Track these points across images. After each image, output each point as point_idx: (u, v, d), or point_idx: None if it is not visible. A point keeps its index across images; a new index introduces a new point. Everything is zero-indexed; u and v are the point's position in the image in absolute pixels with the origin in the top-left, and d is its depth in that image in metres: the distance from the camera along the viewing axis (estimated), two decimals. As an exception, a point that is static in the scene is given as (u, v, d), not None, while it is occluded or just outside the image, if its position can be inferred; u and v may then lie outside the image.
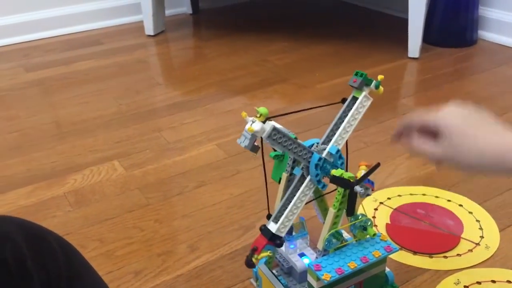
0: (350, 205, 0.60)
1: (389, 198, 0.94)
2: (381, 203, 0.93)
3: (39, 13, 1.87)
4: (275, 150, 0.70)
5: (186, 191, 0.98)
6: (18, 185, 1.02)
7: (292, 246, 0.76)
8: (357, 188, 0.59)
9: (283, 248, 0.76)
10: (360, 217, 0.64)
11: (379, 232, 0.67)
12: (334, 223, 0.63)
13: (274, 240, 0.62)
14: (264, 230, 0.63)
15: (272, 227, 0.61)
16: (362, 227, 0.64)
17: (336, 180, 0.59)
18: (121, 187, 1.00)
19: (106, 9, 1.98)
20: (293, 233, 0.76)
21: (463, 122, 0.51)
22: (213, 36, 1.87)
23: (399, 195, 0.95)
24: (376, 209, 0.91)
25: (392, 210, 0.91)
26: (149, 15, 1.82)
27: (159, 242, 0.85)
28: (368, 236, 0.64)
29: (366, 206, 0.91)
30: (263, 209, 0.89)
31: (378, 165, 0.62)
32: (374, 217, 0.89)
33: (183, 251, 0.82)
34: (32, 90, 1.48)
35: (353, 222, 0.63)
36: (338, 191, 0.61)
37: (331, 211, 0.62)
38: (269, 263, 0.73)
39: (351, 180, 0.59)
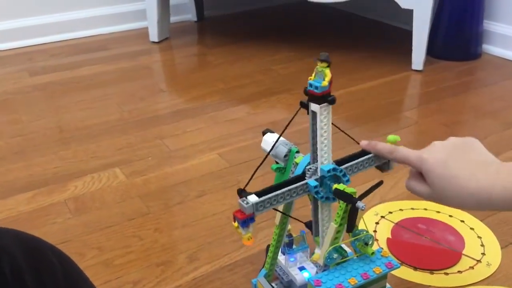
0: (350, 221, 0.60)
1: (390, 212, 0.93)
2: (382, 217, 0.92)
3: (44, 18, 1.88)
4: (277, 162, 0.70)
5: (187, 200, 0.98)
6: (18, 191, 1.02)
7: (292, 259, 0.75)
8: (359, 204, 0.58)
9: (283, 261, 0.76)
10: (362, 232, 0.63)
11: (380, 248, 0.66)
12: (335, 238, 0.62)
13: (241, 194, 0.58)
14: (241, 193, 0.58)
15: (252, 198, 0.58)
16: (364, 242, 0.63)
17: (339, 194, 0.59)
18: (121, 194, 1.00)
19: (112, 15, 1.99)
20: (294, 246, 0.75)
21: (445, 163, 0.51)
22: (217, 43, 1.88)
23: (401, 209, 0.94)
24: (377, 223, 0.91)
25: (393, 224, 0.90)
26: (154, 21, 1.83)
27: (159, 252, 0.84)
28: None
29: (367, 220, 0.91)
30: (263, 220, 0.89)
31: (381, 182, 0.62)
32: (375, 231, 0.89)
33: (182, 262, 0.82)
34: (36, 94, 1.48)
35: (355, 238, 0.63)
36: (340, 207, 0.61)
37: (333, 226, 0.62)
38: (269, 276, 0.73)
39: (353, 196, 0.59)
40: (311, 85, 0.58)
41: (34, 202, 0.98)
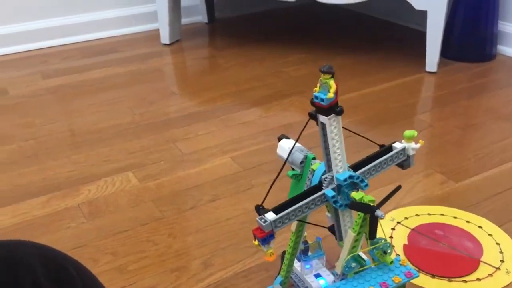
0: (371, 229, 0.59)
1: (406, 218, 0.92)
2: (398, 222, 0.91)
3: (56, 20, 1.89)
4: (293, 169, 0.69)
5: (200, 205, 0.97)
6: (32, 195, 1.02)
7: (307, 266, 0.74)
8: (378, 213, 0.57)
9: (298, 268, 0.75)
10: (380, 241, 0.62)
11: (398, 256, 0.65)
12: (354, 247, 0.61)
13: (259, 212, 0.58)
14: (259, 210, 0.59)
15: (270, 216, 0.58)
16: (383, 251, 0.62)
17: (356, 206, 0.58)
18: (135, 199, 1.00)
19: (123, 17, 1.99)
20: (309, 253, 0.75)
21: None
22: (228, 45, 1.87)
23: (417, 215, 0.93)
24: (393, 229, 0.89)
25: (409, 230, 0.89)
26: (165, 23, 1.83)
27: (173, 257, 0.84)
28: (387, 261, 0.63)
29: (383, 226, 0.89)
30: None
31: (399, 187, 0.61)
32: (391, 237, 0.88)
33: (197, 268, 0.81)
34: (48, 97, 1.49)
35: (373, 247, 0.62)
36: (358, 215, 0.60)
37: (351, 235, 0.61)
38: (284, 283, 0.72)
39: (372, 204, 0.58)
40: (316, 97, 0.57)
41: (48, 206, 0.98)
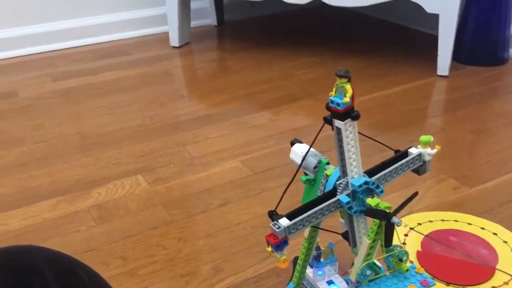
0: (387, 237, 0.58)
1: (419, 224, 0.91)
2: (411, 228, 0.90)
3: (66, 23, 1.89)
4: (306, 174, 0.68)
5: (210, 209, 0.97)
6: (42, 198, 1.01)
7: (320, 273, 0.73)
8: (395, 220, 0.56)
9: (310, 274, 0.74)
10: (396, 248, 0.61)
11: (414, 264, 0.64)
12: (369, 254, 0.60)
13: (272, 218, 0.58)
14: (272, 216, 0.58)
15: (284, 221, 0.57)
16: (398, 258, 0.61)
17: (372, 212, 0.57)
18: (144, 202, 0.99)
19: (133, 20, 1.99)
20: (322, 259, 0.74)
21: None
22: (238, 48, 1.86)
23: (430, 221, 0.91)
24: (406, 235, 0.88)
25: (423, 236, 0.88)
26: (175, 26, 1.83)
27: (183, 262, 0.83)
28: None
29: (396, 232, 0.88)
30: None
31: (415, 194, 0.60)
32: (404, 243, 0.86)
33: (207, 273, 0.81)
34: (57, 99, 1.49)
35: (388, 254, 0.61)
36: (374, 221, 0.59)
37: (366, 242, 0.60)
38: (297, 290, 0.71)
39: (388, 211, 0.57)
40: (332, 101, 0.56)
41: (58, 209, 0.98)
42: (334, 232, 0.66)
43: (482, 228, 0.89)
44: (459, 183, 1.02)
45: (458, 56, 1.63)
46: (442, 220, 0.92)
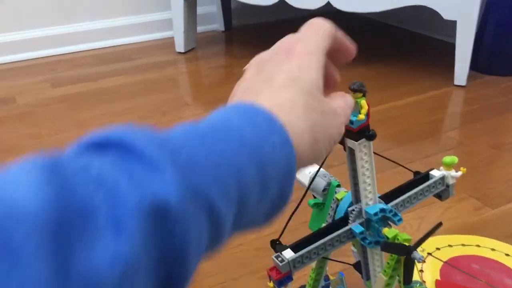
0: (406, 273, 0.50)
1: (438, 249, 0.83)
2: (429, 254, 0.82)
3: (67, 27, 1.84)
4: (314, 197, 0.61)
5: (210, 228, 0.90)
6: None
7: (328, 305, 0.66)
8: (416, 255, 0.49)
9: (318, 306, 0.67)
10: (415, 285, 0.54)
11: (436, 302, 0.57)
12: (384, 292, 0.53)
13: (275, 249, 0.51)
14: (275, 246, 0.51)
15: (288, 254, 0.50)
16: (417, 297, 0.54)
17: (389, 247, 0.50)
18: (141, 219, 0.93)
19: (137, 24, 1.94)
20: (331, 290, 0.66)
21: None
22: (245, 54, 1.80)
23: (450, 245, 0.84)
24: (423, 261, 0.81)
25: (442, 263, 0.80)
26: (181, 31, 1.77)
27: (179, 288, 0.76)
28: (423, 308, 0.54)
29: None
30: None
31: (440, 224, 0.52)
32: (421, 270, 0.79)
33: (205, 301, 0.74)
34: (57, 106, 1.43)
35: (407, 292, 0.53)
36: (391, 256, 0.52)
37: (382, 278, 0.52)
38: (303, 325, 0.64)
39: (407, 244, 0.50)
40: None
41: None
42: (345, 263, 0.59)
43: (507, 255, 0.82)
44: (481, 203, 0.95)
45: (477, 65, 1.55)
46: (463, 245, 0.84)
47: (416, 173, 0.58)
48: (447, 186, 0.57)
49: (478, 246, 0.84)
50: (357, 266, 0.59)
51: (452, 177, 0.57)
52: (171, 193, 0.22)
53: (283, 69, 0.32)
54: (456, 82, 1.47)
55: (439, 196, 0.58)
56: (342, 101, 0.36)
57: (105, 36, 1.89)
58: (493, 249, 0.83)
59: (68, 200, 0.19)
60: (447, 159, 0.57)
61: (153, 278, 0.22)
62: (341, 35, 0.37)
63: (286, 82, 0.31)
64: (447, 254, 0.82)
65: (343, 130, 0.35)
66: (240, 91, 0.33)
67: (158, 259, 0.22)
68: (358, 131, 0.49)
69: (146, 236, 0.21)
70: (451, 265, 0.80)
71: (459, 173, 0.57)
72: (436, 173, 0.57)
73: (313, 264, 0.61)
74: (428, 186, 0.56)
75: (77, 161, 0.21)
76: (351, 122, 0.49)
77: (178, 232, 0.22)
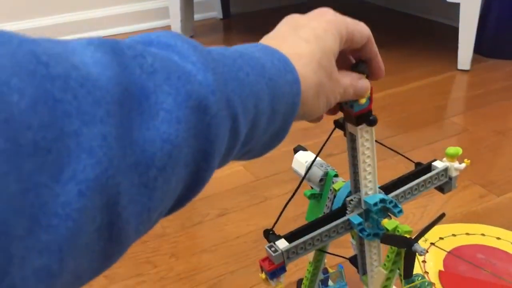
0: (407, 267, 0.48)
1: (441, 238, 0.80)
2: (432, 243, 0.79)
3: (64, 17, 1.81)
4: (312, 188, 0.58)
5: (207, 220, 0.87)
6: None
7: (328, 298, 0.64)
8: (417, 247, 0.46)
9: (317, 301, 0.65)
10: (417, 278, 0.51)
11: (439, 295, 0.54)
12: (385, 286, 0.50)
13: (268, 239, 0.48)
14: (268, 236, 0.49)
15: (282, 244, 0.47)
16: (419, 291, 0.51)
17: (390, 239, 0.47)
18: (136, 212, 0.90)
19: (133, 13, 1.90)
20: (330, 283, 0.64)
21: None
22: (244, 42, 1.76)
23: (454, 235, 0.81)
24: (426, 251, 0.78)
25: (446, 253, 0.77)
26: (177, 19, 1.73)
27: (174, 282, 0.74)
28: (426, 303, 0.52)
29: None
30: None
31: (442, 215, 0.49)
32: (424, 261, 0.76)
33: (201, 295, 0.72)
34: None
35: (409, 286, 0.51)
36: (391, 248, 0.49)
37: (381, 272, 0.50)
38: (301, 319, 0.62)
39: (408, 236, 0.47)
40: (345, 102, 0.45)
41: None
42: (341, 256, 0.56)
43: (514, 244, 0.79)
44: (486, 191, 0.92)
45: (481, 48, 1.51)
46: (467, 234, 0.81)
47: (417, 164, 0.55)
48: (450, 178, 0.54)
49: (483, 235, 0.81)
50: (353, 260, 0.57)
51: (456, 169, 0.54)
52: (212, 93, 0.25)
53: (311, 26, 0.36)
54: (460, 66, 1.44)
55: (441, 188, 0.55)
56: (349, 78, 0.39)
57: (101, 25, 1.86)
58: (498, 238, 0.80)
59: (130, 79, 0.22)
60: (451, 150, 0.54)
61: (187, 168, 0.25)
62: (373, 48, 0.41)
63: (310, 37, 0.35)
64: (450, 244, 0.79)
65: (339, 98, 0.38)
66: (265, 37, 0.38)
67: (194, 150, 0.24)
68: (359, 116, 0.46)
69: (189, 126, 0.24)
70: (455, 255, 0.77)
71: (463, 165, 0.54)
72: (439, 164, 0.54)
73: (311, 257, 0.58)
74: (431, 177, 0.53)
75: (135, 48, 0.23)
76: (351, 105, 0.46)
77: (213, 128, 0.25)
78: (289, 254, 0.47)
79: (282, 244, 0.47)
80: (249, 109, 0.28)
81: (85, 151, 0.19)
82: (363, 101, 0.45)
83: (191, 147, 0.24)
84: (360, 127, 0.47)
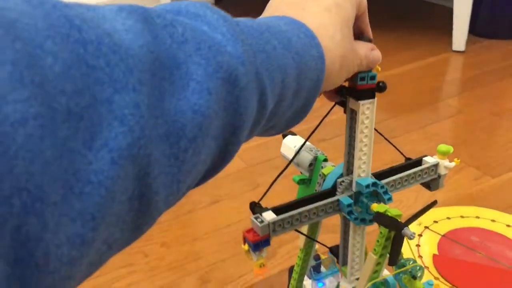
0: (394, 251, 0.46)
1: (435, 222, 0.79)
2: (426, 227, 0.78)
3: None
4: (301, 173, 0.57)
5: (198, 208, 0.86)
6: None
7: (320, 285, 0.63)
8: (406, 231, 0.45)
9: (309, 287, 0.64)
10: (408, 263, 0.50)
11: (431, 280, 0.53)
12: (375, 272, 0.49)
13: (254, 210, 0.47)
14: (253, 207, 0.47)
15: (269, 216, 0.46)
16: (411, 275, 0.50)
17: (381, 218, 0.46)
18: (126, 201, 0.89)
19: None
20: (322, 270, 0.63)
21: None
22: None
23: (448, 218, 0.80)
24: (420, 235, 0.77)
25: (440, 236, 0.76)
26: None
27: (165, 272, 0.73)
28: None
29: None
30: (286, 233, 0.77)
31: (434, 202, 0.48)
32: (418, 245, 0.75)
33: (192, 284, 0.71)
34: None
35: (399, 271, 0.50)
36: (381, 233, 0.48)
37: (372, 257, 0.49)
38: (293, 306, 0.61)
39: (399, 220, 0.46)
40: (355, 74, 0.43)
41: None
42: (323, 245, 0.55)
43: (508, 226, 0.78)
44: (480, 173, 0.91)
45: (476, 28, 1.49)
46: (462, 217, 0.80)
47: (407, 159, 0.54)
48: (439, 176, 0.53)
49: (477, 217, 0.80)
50: (334, 249, 0.56)
51: (446, 167, 0.53)
52: (242, 64, 0.24)
53: None
54: (455, 47, 1.42)
55: (427, 186, 0.54)
56: (364, 48, 0.38)
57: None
58: (493, 220, 0.79)
59: (161, 48, 0.21)
60: (443, 147, 0.53)
61: (216, 141, 0.24)
62: (367, 19, 0.41)
63: (331, 5, 0.34)
64: (445, 227, 0.78)
65: (357, 69, 0.38)
66: (284, 4, 0.35)
67: (223, 123, 0.24)
68: (363, 90, 0.44)
69: (219, 98, 0.23)
70: (449, 239, 0.76)
71: (453, 163, 0.53)
72: (429, 160, 0.53)
73: (301, 244, 0.57)
74: (421, 171, 0.52)
75: (164, 17, 0.23)
76: (363, 78, 0.43)
77: (242, 100, 0.24)
78: (275, 227, 0.46)
79: (269, 216, 0.45)
80: (276, 83, 0.28)
81: (117, 118, 0.19)
82: (379, 69, 0.43)
83: (220, 119, 0.24)
84: (362, 102, 0.45)
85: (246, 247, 0.47)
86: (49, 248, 0.17)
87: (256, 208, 0.47)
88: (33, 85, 0.16)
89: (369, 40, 0.41)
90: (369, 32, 0.41)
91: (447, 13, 1.43)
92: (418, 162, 0.52)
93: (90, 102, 0.18)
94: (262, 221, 0.44)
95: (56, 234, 0.17)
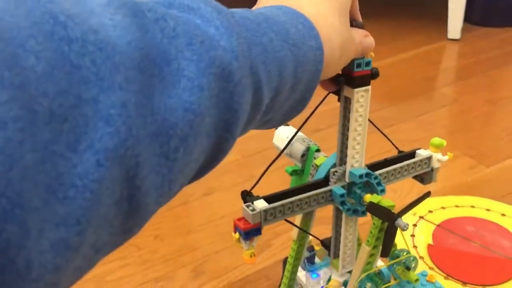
0: (386, 243, 0.46)
1: (430, 211, 0.79)
2: (421, 217, 0.78)
3: None
4: (294, 164, 0.56)
5: (192, 200, 0.86)
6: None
7: (314, 276, 0.62)
8: (400, 222, 0.45)
9: (303, 278, 0.63)
10: (402, 253, 0.50)
11: (425, 271, 0.53)
12: (368, 263, 0.49)
13: (245, 199, 0.46)
14: (245, 196, 0.47)
15: (260, 204, 0.45)
16: (405, 266, 0.50)
17: (375, 208, 0.45)
18: (119, 194, 0.88)
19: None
20: (316, 261, 0.63)
21: None
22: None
23: (443, 207, 0.80)
24: (415, 225, 0.77)
25: (434, 226, 0.76)
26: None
27: (158, 264, 0.73)
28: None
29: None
30: (280, 224, 0.76)
31: (428, 194, 0.48)
32: (413, 235, 0.75)
33: (186, 277, 0.70)
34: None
35: (393, 262, 0.49)
36: (374, 224, 0.47)
37: (365, 249, 0.48)
38: (286, 298, 0.60)
39: (392, 211, 0.45)
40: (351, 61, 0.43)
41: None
42: (315, 237, 0.55)
43: (503, 215, 0.78)
44: (475, 161, 0.90)
45: (470, 16, 1.48)
46: (457, 206, 0.80)
47: (400, 151, 0.53)
48: (432, 169, 0.52)
49: (472, 207, 0.80)
50: (325, 242, 0.55)
51: (439, 160, 0.52)
52: (236, 58, 0.24)
53: None
54: (450, 35, 1.41)
55: (421, 179, 0.54)
56: (359, 34, 0.38)
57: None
58: (488, 210, 0.79)
59: (151, 44, 0.20)
60: (436, 140, 0.52)
61: (209, 139, 0.23)
62: (357, 5, 0.40)
63: None
64: (440, 217, 0.78)
65: (353, 56, 0.37)
66: None
67: (216, 120, 0.23)
68: (358, 77, 0.44)
69: (212, 94, 0.22)
70: (444, 228, 0.76)
71: (446, 157, 0.52)
72: (423, 152, 0.52)
73: (295, 236, 0.56)
74: (414, 163, 0.51)
75: (156, 10, 0.22)
76: (358, 65, 0.43)
77: (236, 96, 0.24)
78: (267, 216, 0.45)
79: (260, 204, 0.45)
80: (273, 76, 0.27)
81: (103, 119, 0.18)
82: (372, 55, 0.43)
83: (213, 116, 0.23)
84: (357, 89, 0.44)
85: (237, 235, 0.46)
86: (31, 255, 0.16)
87: (247, 196, 0.46)
88: (12, 87, 0.15)
89: (361, 26, 0.40)
90: (360, 18, 0.40)
91: (442, 1, 1.41)
92: (411, 154, 0.51)
93: (74, 102, 0.17)
94: (253, 209, 0.44)
95: (38, 241, 0.16)
